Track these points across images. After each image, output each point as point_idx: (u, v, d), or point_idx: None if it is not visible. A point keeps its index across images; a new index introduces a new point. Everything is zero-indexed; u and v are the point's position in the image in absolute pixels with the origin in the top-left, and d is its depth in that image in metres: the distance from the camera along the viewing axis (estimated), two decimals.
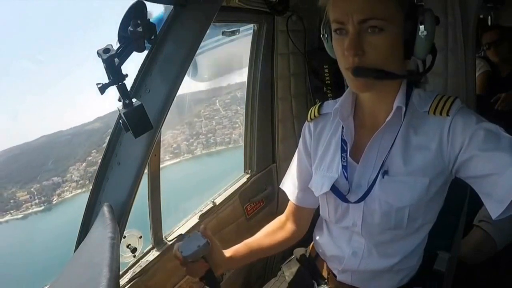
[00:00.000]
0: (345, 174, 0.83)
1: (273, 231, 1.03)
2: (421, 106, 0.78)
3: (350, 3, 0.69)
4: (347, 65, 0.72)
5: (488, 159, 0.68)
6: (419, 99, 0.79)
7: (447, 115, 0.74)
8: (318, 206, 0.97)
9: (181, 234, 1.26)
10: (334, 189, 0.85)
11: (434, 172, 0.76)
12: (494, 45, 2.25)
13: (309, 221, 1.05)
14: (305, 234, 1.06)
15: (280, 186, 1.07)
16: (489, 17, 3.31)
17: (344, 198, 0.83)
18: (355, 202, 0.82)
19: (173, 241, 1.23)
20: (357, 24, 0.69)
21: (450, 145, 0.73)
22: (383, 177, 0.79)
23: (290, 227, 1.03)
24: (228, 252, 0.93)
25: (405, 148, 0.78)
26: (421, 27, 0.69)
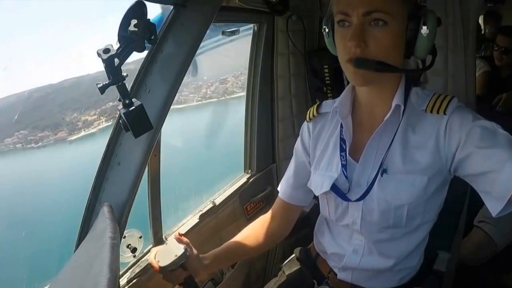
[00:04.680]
0: (345, 173, 0.83)
1: (255, 234, 1.02)
2: (418, 104, 0.78)
3: None
4: (348, 56, 0.72)
5: (486, 157, 0.67)
6: (417, 98, 0.79)
7: (444, 113, 0.74)
8: (319, 207, 0.97)
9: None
10: (335, 188, 0.85)
11: (432, 171, 0.76)
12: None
13: (294, 221, 1.05)
14: (291, 234, 1.05)
15: (278, 188, 1.07)
16: None
17: (344, 197, 0.83)
18: (355, 201, 0.82)
19: None
20: (361, 16, 0.69)
21: (447, 143, 0.73)
22: (382, 176, 0.79)
23: (273, 227, 1.02)
24: (206, 259, 0.92)
25: (404, 146, 0.78)
26: (424, 27, 0.70)
